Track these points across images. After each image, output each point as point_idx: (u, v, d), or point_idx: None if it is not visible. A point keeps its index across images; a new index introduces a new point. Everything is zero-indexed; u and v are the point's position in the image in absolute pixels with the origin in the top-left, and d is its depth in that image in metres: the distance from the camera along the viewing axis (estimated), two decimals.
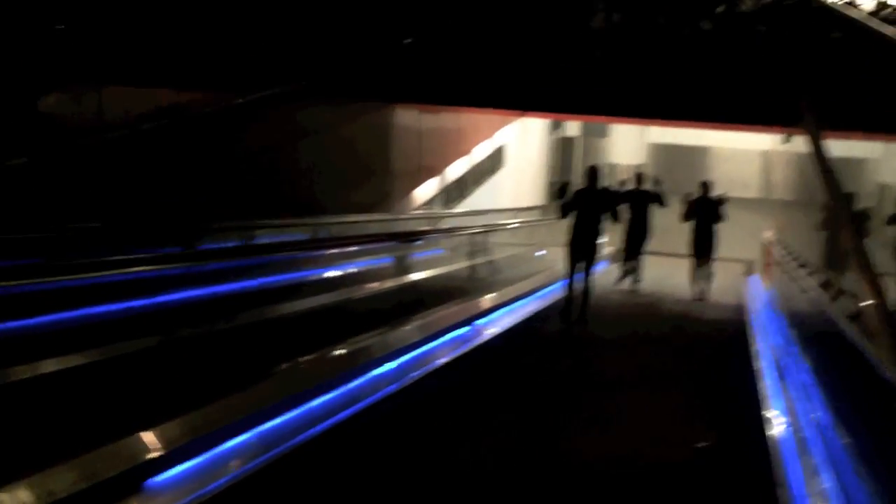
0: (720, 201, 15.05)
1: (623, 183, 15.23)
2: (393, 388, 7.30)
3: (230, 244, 9.35)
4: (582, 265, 11.70)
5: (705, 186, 15.24)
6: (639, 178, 15.46)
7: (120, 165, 8.96)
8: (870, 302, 5.64)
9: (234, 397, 5.83)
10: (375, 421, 6.58)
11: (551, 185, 12.33)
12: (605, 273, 15.74)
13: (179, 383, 5.67)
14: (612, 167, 26.29)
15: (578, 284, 11.67)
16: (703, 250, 15.14)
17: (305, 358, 7.16)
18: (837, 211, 8.31)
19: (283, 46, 11.85)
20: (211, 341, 6.97)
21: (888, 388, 4.15)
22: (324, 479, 5.49)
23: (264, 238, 9.96)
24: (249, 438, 5.58)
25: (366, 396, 6.91)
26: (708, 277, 15.23)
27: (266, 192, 10.89)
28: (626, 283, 15.41)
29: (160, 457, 4.90)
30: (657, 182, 15.35)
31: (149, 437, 5.01)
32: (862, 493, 4.91)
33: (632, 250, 15.40)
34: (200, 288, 7.92)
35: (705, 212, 15.05)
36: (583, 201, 11.71)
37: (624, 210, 14.06)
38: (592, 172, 12.00)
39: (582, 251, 11.66)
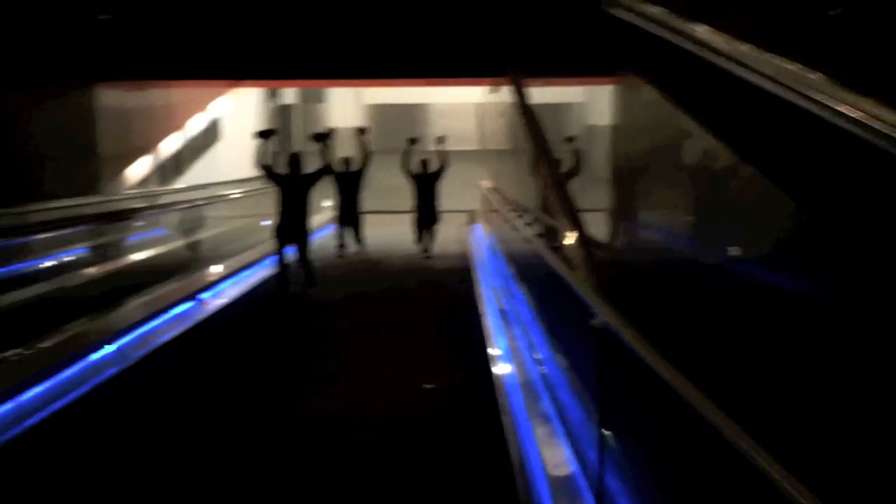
0: (441, 164, 15.20)
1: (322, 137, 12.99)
2: (113, 371, 7.05)
3: None
4: (294, 244, 11.49)
5: (424, 164, 15.37)
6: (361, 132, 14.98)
7: None
8: (571, 234, 5.96)
9: None
10: (96, 407, 6.32)
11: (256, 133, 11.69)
12: (331, 237, 15.72)
13: None
14: (333, 131, 26.34)
15: (293, 255, 11.51)
16: (426, 211, 15.35)
17: (11, 352, 6.77)
18: (539, 154, 8.68)
19: None
20: None
21: (587, 310, 4.37)
22: (31, 476, 5.20)
23: None
24: None
25: (83, 383, 6.64)
26: (432, 233, 15.39)
27: None
28: (351, 246, 15.34)
29: None
30: (361, 131, 14.98)
31: None
32: (575, 411, 5.19)
33: (346, 214, 15.17)
34: None
35: (426, 180, 15.31)
36: (287, 187, 11.43)
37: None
38: (294, 160, 11.65)
39: (291, 236, 11.42)
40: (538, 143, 9.09)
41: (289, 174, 11.52)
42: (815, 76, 3.11)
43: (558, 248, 6.53)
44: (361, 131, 14.86)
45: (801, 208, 3.53)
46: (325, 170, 12.03)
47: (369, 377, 7.38)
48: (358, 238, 15.31)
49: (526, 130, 9.86)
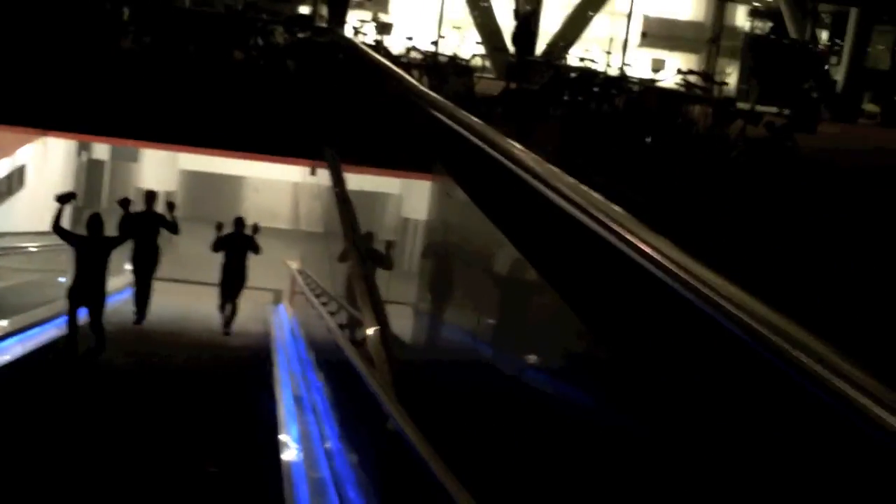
0: (252, 237, 14.89)
1: (127, 203, 12.90)
2: None
3: None
4: (87, 307, 10.98)
5: (239, 222, 15.04)
6: (149, 198, 14.18)
7: None
8: (373, 330, 5.96)
9: None
10: None
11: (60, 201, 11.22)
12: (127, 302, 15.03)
13: None
14: (142, 193, 25.68)
15: (85, 317, 11.03)
16: (231, 283, 14.90)
17: None
18: (348, 242, 8.71)
19: None
20: None
21: (382, 413, 4.37)
22: None
23: None
24: None
25: None
26: (234, 308, 14.94)
27: None
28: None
29: None
30: (170, 206, 14.13)
31: None
32: None
33: (141, 282, 14.13)
34: None
35: (237, 246, 14.87)
36: (84, 249, 11.02)
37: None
38: (93, 221, 11.17)
39: (85, 299, 10.92)
40: (348, 233, 9.11)
41: (87, 236, 11.12)
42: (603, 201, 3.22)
43: (360, 343, 6.54)
44: (171, 206, 14.13)
45: (586, 326, 3.67)
46: (124, 236, 11.69)
47: (151, 455, 7.11)
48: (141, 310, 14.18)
49: (338, 217, 9.89)
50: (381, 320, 6.18)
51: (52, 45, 12.29)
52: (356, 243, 8.89)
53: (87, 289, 10.90)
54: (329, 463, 6.76)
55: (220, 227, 14.86)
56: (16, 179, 18.88)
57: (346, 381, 6.63)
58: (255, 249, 14.89)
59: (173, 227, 13.82)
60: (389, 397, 4.47)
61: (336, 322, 8.38)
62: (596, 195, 3.34)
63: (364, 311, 6.78)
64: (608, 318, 3.41)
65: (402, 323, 7.72)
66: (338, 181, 10.91)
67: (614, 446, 3.35)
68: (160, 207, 13.95)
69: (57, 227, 10.91)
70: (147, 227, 13.70)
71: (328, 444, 7.17)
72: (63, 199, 11.10)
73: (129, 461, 6.88)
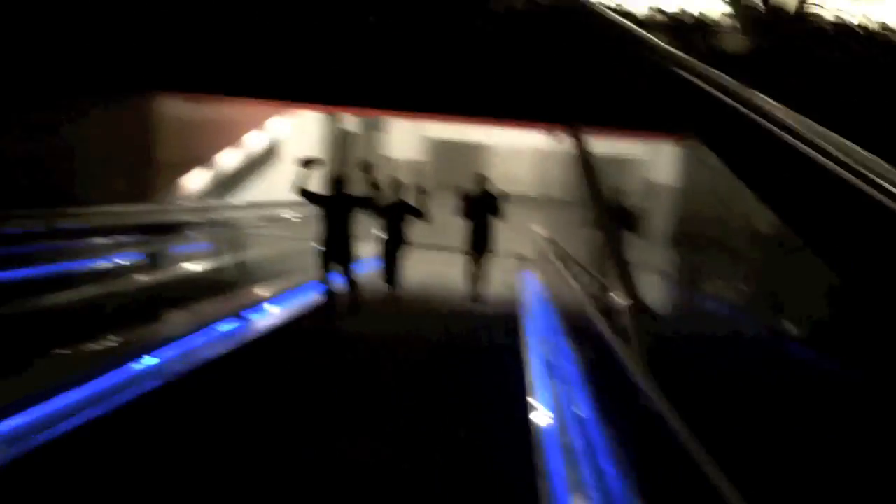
0: (497, 198, 14.80)
1: (375, 186, 12.59)
2: (154, 384, 6.97)
3: None
4: (339, 268, 11.39)
5: (481, 182, 15.01)
6: (397, 186, 14.28)
7: None
8: (625, 299, 5.79)
9: None
10: (133, 418, 6.24)
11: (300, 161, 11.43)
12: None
13: None
14: (390, 161, 26.36)
15: (339, 284, 11.38)
16: (478, 247, 14.89)
17: (56, 353, 6.72)
18: (596, 208, 8.53)
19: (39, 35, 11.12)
20: None
21: (634, 389, 4.23)
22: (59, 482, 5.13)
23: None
24: None
25: (120, 393, 6.57)
26: (483, 275, 14.95)
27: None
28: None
29: None
30: (420, 191, 14.06)
31: None
32: (617, 482, 5.01)
33: (389, 258, 14.29)
34: None
35: (482, 208, 14.82)
36: (330, 208, 11.36)
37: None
38: (337, 181, 11.55)
39: (336, 257, 11.32)
40: (596, 199, 8.93)
41: (332, 196, 11.40)
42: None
43: (610, 312, 6.38)
44: (421, 191, 14.06)
45: (861, 299, 3.38)
46: (370, 201, 11.85)
47: (405, 422, 7.23)
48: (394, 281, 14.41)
49: (585, 183, 9.72)
50: (632, 289, 6.00)
51: (301, 20, 12.68)
52: (605, 210, 8.69)
53: (336, 247, 11.25)
54: (582, 431, 6.65)
55: (466, 195, 14.86)
56: (273, 150, 19.77)
57: (596, 351, 6.50)
58: (495, 210, 14.75)
59: (419, 214, 13.88)
60: (641, 370, 4.31)
61: (585, 290, 8.24)
62: (870, 156, 3.07)
63: (614, 280, 6.62)
64: (887, 290, 3.12)
65: (652, 292, 7.48)
66: (583, 147, 10.74)
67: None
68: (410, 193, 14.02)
69: (302, 190, 11.11)
70: (395, 214, 14.00)
71: (580, 413, 7.06)
72: (307, 163, 11.21)
73: (384, 426, 7.03)
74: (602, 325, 5.98)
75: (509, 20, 13.85)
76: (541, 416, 7.26)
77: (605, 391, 6.16)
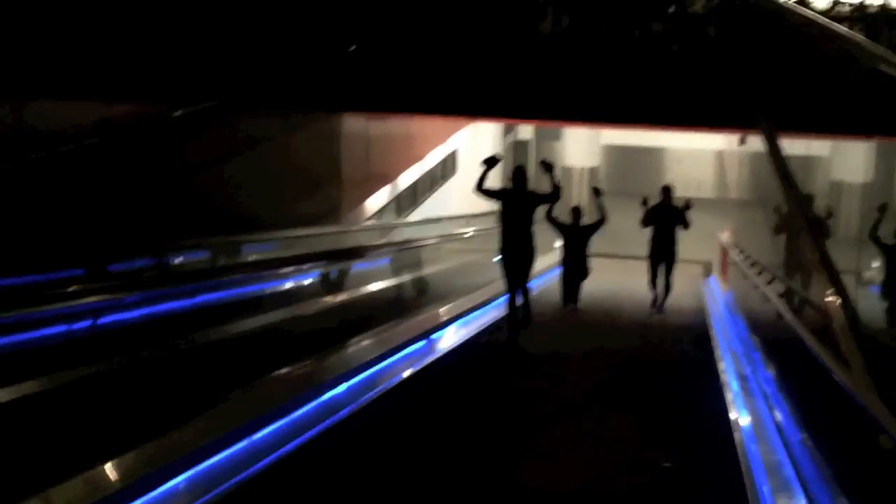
0: (683, 208, 14.14)
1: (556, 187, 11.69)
2: (347, 411, 6.97)
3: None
4: (518, 276, 10.95)
5: (666, 192, 14.36)
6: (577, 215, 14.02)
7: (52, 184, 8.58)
8: (837, 313, 5.39)
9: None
10: (327, 451, 6.23)
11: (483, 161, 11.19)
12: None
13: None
14: (567, 170, 26.13)
15: (518, 296, 11.01)
16: (661, 258, 14.26)
17: (252, 384, 6.78)
18: (797, 218, 8.06)
19: (225, 55, 11.43)
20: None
21: (857, 408, 3.89)
22: None
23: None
24: (191, 476, 5.22)
25: (318, 423, 6.58)
26: (667, 285, 14.31)
27: (206, 206, 10.46)
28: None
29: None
30: (596, 192, 13.81)
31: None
32: None
33: (570, 281, 13.97)
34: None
35: (665, 218, 14.20)
36: (511, 203, 10.94)
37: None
38: (519, 173, 11.17)
39: (515, 257, 10.91)
40: (793, 202, 8.43)
41: (512, 189, 11.07)
42: None
43: (815, 321, 6.00)
44: (597, 192, 13.81)
45: None
46: (552, 196, 11.51)
47: (590, 447, 7.00)
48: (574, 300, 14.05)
49: (778, 185, 9.23)
50: (844, 296, 5.57)
51: (477, 36, 12.63)
52: (806, 214, 8.21)
53: (515, 245, 10.87)
54: (788, 453, 6.27)
55: (645, 201, 14.31)
56: (450, 165, 19.87)
57: (798, 362, 6.14)
58: (685, 223, 14.13)
59: (600, 226, 13.64)
60: (864, 386, 3.97)
61: (780, 297, 7.83)
62: None
63: (819, 287, 6.19)
64: None
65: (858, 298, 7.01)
66: (774, 148, 10.24)
67: None
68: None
69: (481, 188, 10.82)
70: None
71: (785, 431, 6.66)
72: (489, 162, 10.89)
73: (581, 452, 6.83)
74: (804, 334, 5.62)
75: (686, 22, 13.46)
76: (742, 433, 6.89)
77: (816, 409, 5.80)
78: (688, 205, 14.17)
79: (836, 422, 4.87)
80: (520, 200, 10.98)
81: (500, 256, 11.00)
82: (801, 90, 11.43)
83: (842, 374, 4.56)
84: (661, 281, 14.26)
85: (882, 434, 3.63)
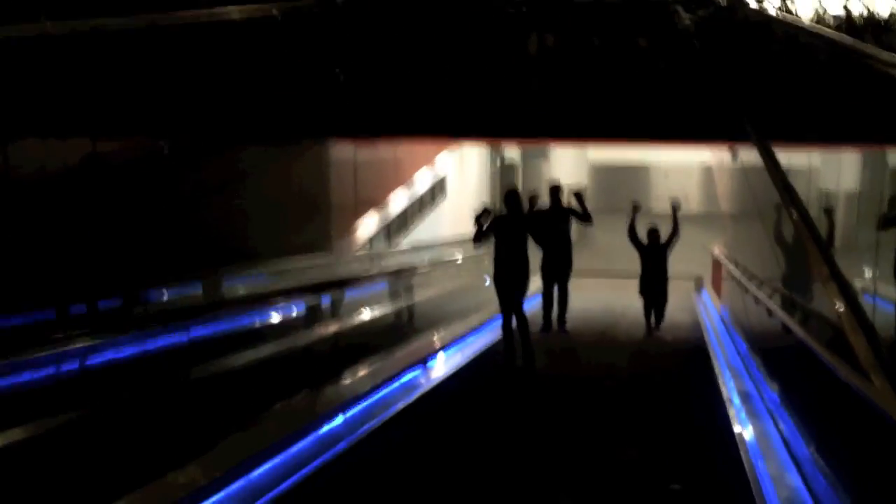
0: (668, 242, 13.86)
1: (533, 200, 12.61)
2: (342, 446, 6.80)
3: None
4: (511, 300, 10.79)
5: (653, 234, 14.00)
6: (554, 193, 13.59)
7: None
8: (851, 325, 5.25)
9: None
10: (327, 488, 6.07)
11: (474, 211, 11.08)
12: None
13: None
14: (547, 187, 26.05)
15: (512, 319, 10.85)
16: (653, 273, 13.87)
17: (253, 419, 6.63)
18: (802, 229, 7.90)
19: (216, 91, 11.25)
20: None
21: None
22: None
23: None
24: None
25: (311, 460, 6.41)
26: (660, 301, 13.95)
27: (201, 239, 10.28)
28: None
29: None
30: (578, 197, 13.46)
31: None
32: None
33: (550, 280, 13.45)
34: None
35: (653, 235, 14.00)
36: (504, 229, 10.85)
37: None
38: (512, 197, 11.12)
39: (510, 282, 10.76)
40: (794, 214, 8.31)
41: (506, 214, 10.95)
42: None
43: (825, 335, 5.87)
44: (579, 197, 13.46)
45: None
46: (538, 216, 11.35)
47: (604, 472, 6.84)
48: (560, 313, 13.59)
49: (784, 199, 9.10)
50: (856, 310, 5.40)
51: (460, 56, 12.51)
52: (807, 225, 8.07)
53: (509, 268, 10.74)
54: (799, 472, 6.13)
55: (637, 207, 13.89)
56: (438, 189, 19.72)
57: (805, 377, 6.01)
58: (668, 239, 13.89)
59: (585, 217, 13.30)
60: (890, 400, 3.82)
61: (783, 311, 7.70)
62: None
63: (828, 299, 6.05)
64: None
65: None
66: (769, 160, 10.13)
67: None
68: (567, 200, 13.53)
69: (477, 239, 10.83)
70: (555, 223, 13.20)
71: (793, 448, 6.53)
72: (481, 217, 10.83)
73: (579, 480, 6.66)
74: (816, 347, 5.48)
75: (672, 37, 13.38)
76: (749, 453, 6.75)
77: (822, 421, 5.66)
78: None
79: (856, 435, 4.73)
80: (514, 225, 10.86)
81: (494, 280, 10.85)
82: (791, 98, 11.36)
83: (864, 387, 4.42)
84: (654, 298, 13.99)
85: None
